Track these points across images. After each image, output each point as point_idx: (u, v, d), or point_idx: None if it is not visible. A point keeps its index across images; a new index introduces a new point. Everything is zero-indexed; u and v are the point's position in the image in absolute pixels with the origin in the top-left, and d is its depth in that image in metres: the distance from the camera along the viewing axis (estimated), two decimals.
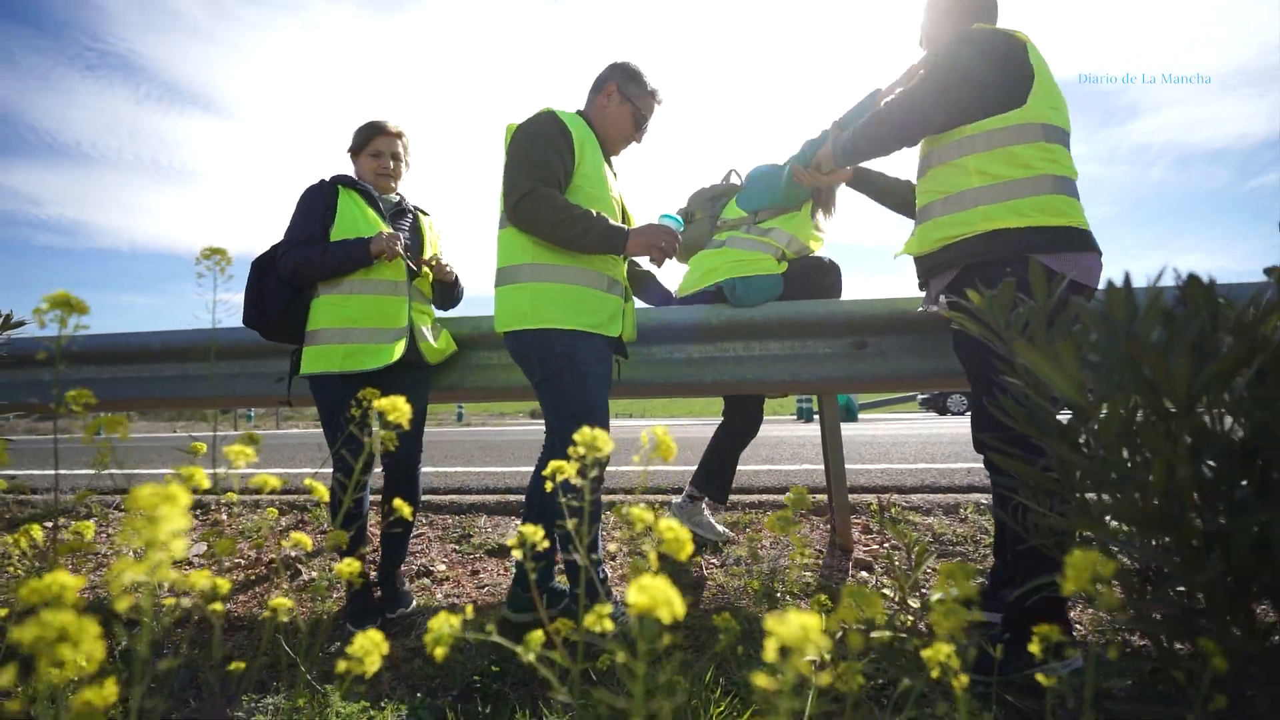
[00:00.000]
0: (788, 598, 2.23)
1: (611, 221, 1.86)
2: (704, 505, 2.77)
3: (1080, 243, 1.61)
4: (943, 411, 14.51)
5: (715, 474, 2.71)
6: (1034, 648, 0.62)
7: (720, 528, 2.77)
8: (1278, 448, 0.64)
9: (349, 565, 0.79)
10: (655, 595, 0.41)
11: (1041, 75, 1.65)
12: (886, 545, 2.71)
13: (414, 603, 2.26)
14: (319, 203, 2.10)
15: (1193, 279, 0.67)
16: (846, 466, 1.68)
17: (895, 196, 2.25)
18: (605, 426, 1.87)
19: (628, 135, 2.03)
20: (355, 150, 2.22)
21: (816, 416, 14.48)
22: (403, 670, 1.85)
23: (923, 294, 1.92)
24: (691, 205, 2.82)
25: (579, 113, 2.01)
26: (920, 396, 15.94)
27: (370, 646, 0.60)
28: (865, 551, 2.62)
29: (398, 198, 2.28)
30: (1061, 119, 1.68)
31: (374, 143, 2.19)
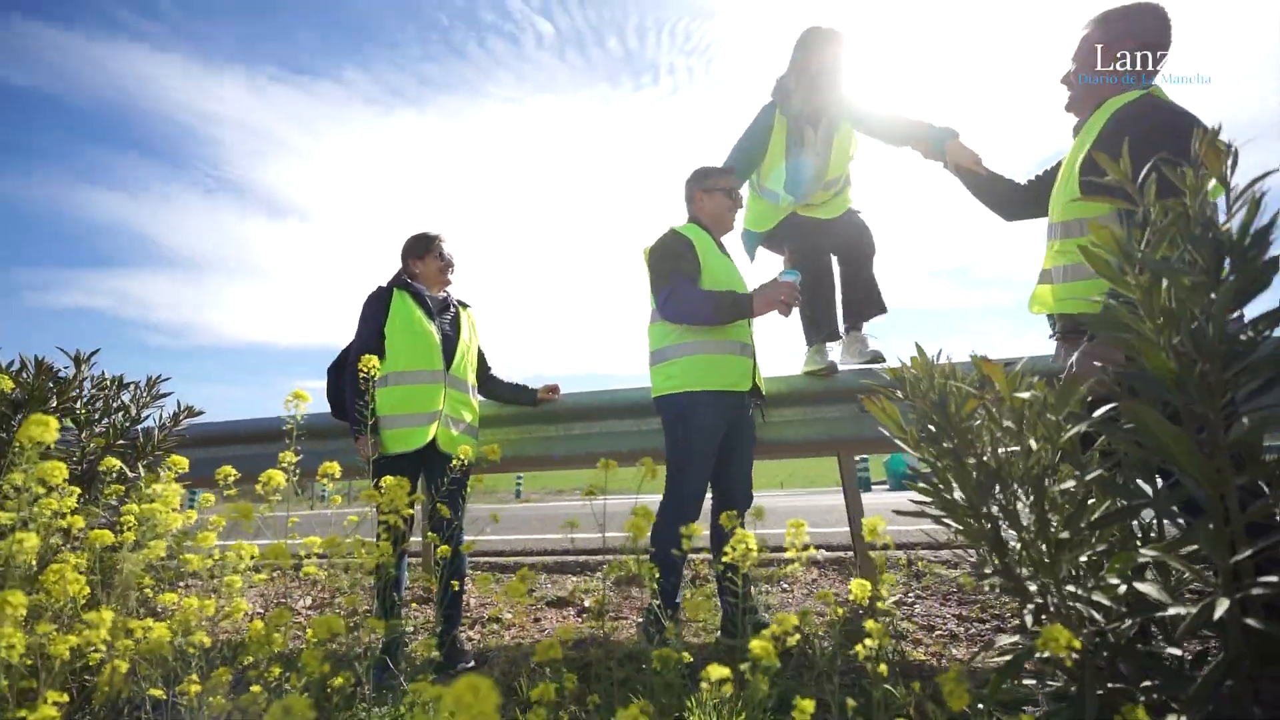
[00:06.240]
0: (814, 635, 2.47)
1: (735, 292, 2.25)
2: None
3: None
4: None
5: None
6: None
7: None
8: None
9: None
10: None
11: None
12: (911, 595, 2.91)
13: (472, 660, 2.41)
14: (377, 308, 2.44)
15: None
16: (886, 527, 1.82)
17: (993, 195, 2.21)
18: (698, 481, 2.22)
19: (730, 211, 2.46)
20: (420, 254, 2.53)
21: (875, 485, 14.07)
22: None
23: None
24: None
25: (690, 221, 2.47)
26: None
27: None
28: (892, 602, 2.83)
29: (444, 294, 2.59)
30: None
31: (440, 246, 2.55)
